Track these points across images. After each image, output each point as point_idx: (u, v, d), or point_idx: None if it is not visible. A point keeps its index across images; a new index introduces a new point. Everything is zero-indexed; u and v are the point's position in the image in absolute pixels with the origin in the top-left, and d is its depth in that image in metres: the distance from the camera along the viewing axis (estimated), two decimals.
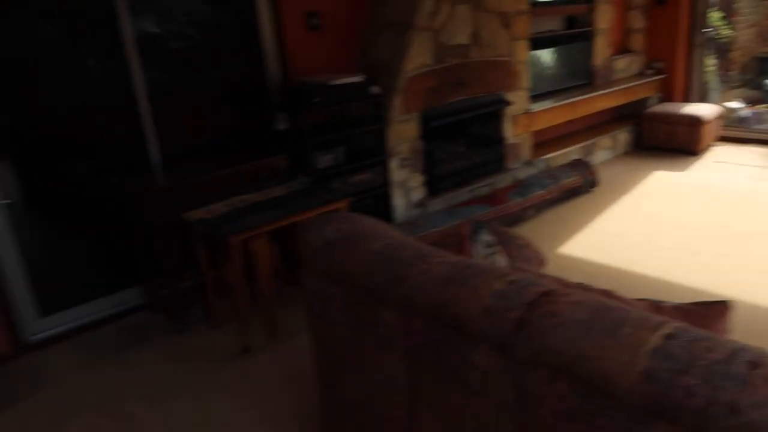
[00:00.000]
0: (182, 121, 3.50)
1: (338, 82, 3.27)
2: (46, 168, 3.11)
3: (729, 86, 7.30)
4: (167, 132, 3.27)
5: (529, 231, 3.94)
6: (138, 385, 2.60)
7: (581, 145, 5.26)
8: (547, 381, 1.11)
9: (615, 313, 1.09)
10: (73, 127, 3.15)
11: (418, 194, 3.98)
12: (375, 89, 3.48)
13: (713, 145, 5.72)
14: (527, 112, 4.65)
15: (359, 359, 1.57)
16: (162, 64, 3.29)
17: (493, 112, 4.37)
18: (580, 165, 4.67)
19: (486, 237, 1.78)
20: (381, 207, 3.67)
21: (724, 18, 7.14)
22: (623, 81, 5.74)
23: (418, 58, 3.69)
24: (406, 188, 3.88)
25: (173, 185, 2.83)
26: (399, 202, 3.85)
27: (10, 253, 2.85)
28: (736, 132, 5.94)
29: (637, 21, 5.91)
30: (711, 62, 6.55)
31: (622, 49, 5.99)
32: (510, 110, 4.46)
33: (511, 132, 4.54)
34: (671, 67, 5.97)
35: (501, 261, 1.82)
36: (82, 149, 3.19)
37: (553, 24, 5.25)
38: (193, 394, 2.50)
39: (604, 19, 5.43)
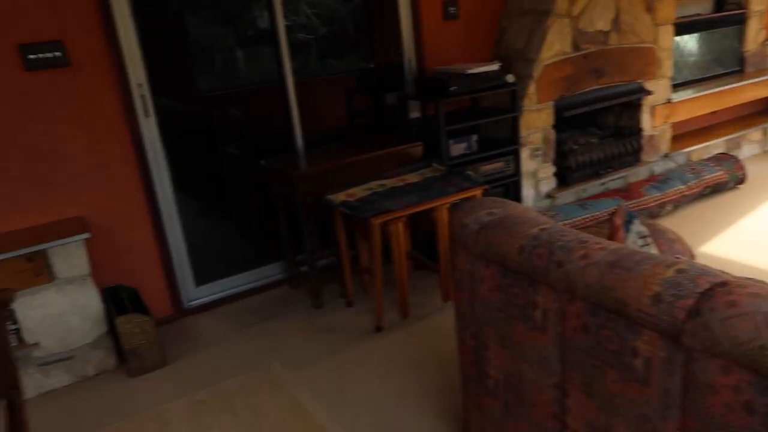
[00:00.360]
0: (321, 107, 3.71)
1: (475, 70, 3.30)
2: (206, 148, 3.44)
3: None
4: (309, 118, 3.48)
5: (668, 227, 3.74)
6: (282, 353, 2.82)
7: (726, 138, 4.88)
8: (721, 372, 1.09)
9: None
10: (230, 111, 3.45)
11: (547, 185, 3.91)
12: (510, 78, 3.46)
13: None
14: (668, 102, 4.39)
15: (508, 339, 1.61)
16: (304, 53, 3.51)
17: (630, 101, 4.19)
18: (726, 159, 4.34)
19: (640, 228, 1.74)
20: (510, 197, 3.66)
21: None
22: None
23: (555, 45, 3.62)
24: (536, 179, 3.84)
25: (316, 168, 3.01)
26: (528, 193, 3.81)
27: (176, 228, 3.18)
28: None
29: None
30: None
31: None
32: (649, 100, 4.25)
33: (649, 123, 4.32)
34: None
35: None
36: (238, 132, 3.50)
37: (700, 7, 4.90)
38: (333, 365, 2.67)
39: None
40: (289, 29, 3.47)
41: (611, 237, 1.72)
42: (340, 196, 2.88)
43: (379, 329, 2.91)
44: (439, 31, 3.66)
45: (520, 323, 1.55)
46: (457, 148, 3.38)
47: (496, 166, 3.54)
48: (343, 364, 2.66)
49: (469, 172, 3.06)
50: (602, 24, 3.80)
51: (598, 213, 3.64)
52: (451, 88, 3.21)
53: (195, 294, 3.33)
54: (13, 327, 2.62)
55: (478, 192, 2.89)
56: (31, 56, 2.63)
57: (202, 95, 3.71)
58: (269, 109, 3.72)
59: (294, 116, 3.40)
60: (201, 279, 3.36)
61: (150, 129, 3.00)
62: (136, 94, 2.92)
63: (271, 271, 3.52)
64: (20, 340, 2.64)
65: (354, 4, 3.76)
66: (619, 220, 1.70)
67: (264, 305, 3.32)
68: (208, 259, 3.45)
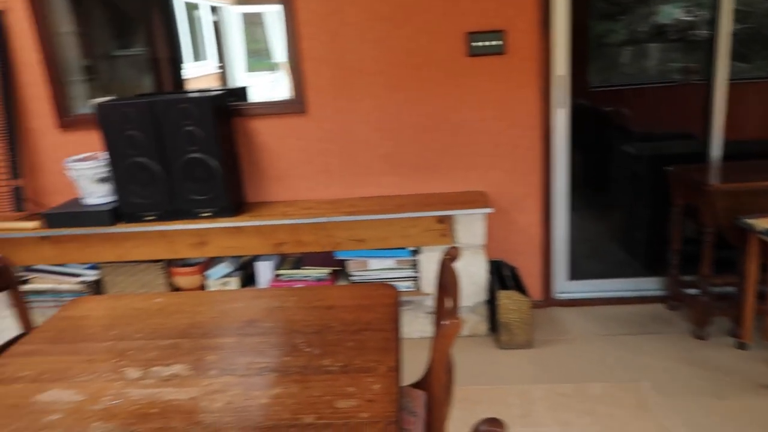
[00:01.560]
0: (744, 114, 3.23)
1: None
2: (599, 145, 3.37)
3: None
4: (732, 126, 3.07)
5: None
6: (653, 374, 2.61)
7: None
8: None
9: None
10: (622, 108, 3.31)
11: None
12: None
13: None
14: None
15: None
16: (701, 52, 3.11)
17: None
18: None
19: None
20: None
21: None
22: None
23: None
24: None
25: (738, 185, 2.63)
26: None
27: (562, 219, 3.22)
28: None
29: None
30: None
31: None
32: None
33: None
34: None
35: None
36: (636, 132, 3.33)
37: None
38: (715, 409, 2.35)
39: None
40: (691, 25, 3.12)
41: None
42: (763, 222, 2.48)
43: None
44: None
45: None
46: None
47: None
48: (730, 413, 2.32)
49: None
50: None
51: None
52: None
53: (565, 287, 3.34)
54: (414, 275, 3.05)
55: None
56: (475, 43, 2.94)
57: (594, 90, 3.63)
58: (677, 110, 3.42)
59: (716, 122, 3.04)
60: (574, 274, 3.34)
61: (560, 120, 3.07)
62: (555, 85, 3.01)
63: (648, 285, 3.28)
64: (417, 287, 3.06)
65: None
66: None
67: (635, 318, 3.13)
68: (585, 256, 3.41)
